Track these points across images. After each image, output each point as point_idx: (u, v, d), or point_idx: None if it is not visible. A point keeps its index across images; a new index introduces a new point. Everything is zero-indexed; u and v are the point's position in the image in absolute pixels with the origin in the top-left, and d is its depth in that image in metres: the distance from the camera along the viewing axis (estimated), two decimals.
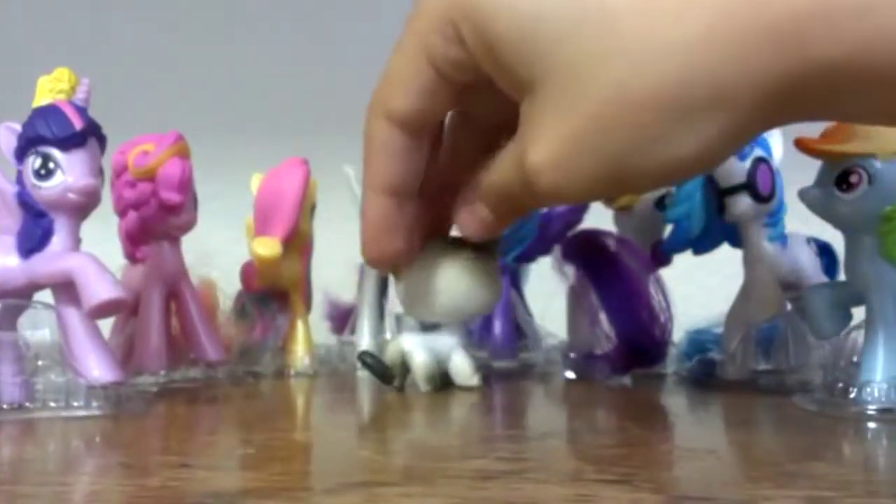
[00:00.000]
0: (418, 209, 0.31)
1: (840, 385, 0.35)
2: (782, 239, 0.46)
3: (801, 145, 0.34)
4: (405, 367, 0.41)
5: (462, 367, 0.40)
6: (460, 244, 0.32)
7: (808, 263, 0.47)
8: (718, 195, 0.44)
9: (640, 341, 0.43)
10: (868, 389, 0.33)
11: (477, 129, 0.31)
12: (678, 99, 0.21)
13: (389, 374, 0.41)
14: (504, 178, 0.27)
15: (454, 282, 0.32)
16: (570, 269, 0.46)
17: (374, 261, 0.32)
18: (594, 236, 0.45)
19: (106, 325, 0.42)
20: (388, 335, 0.60)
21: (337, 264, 0.57)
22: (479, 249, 0.32)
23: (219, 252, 0.51)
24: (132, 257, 0.46)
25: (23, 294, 0.36)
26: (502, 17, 0.23)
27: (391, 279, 0.53)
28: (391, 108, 0.28)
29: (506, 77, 0.24)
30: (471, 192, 0.30)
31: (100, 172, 0.36)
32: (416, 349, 0.40)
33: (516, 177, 0.26)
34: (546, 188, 0.24)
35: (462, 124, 0.31)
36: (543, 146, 0.24)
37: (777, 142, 0.45)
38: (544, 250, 0.55)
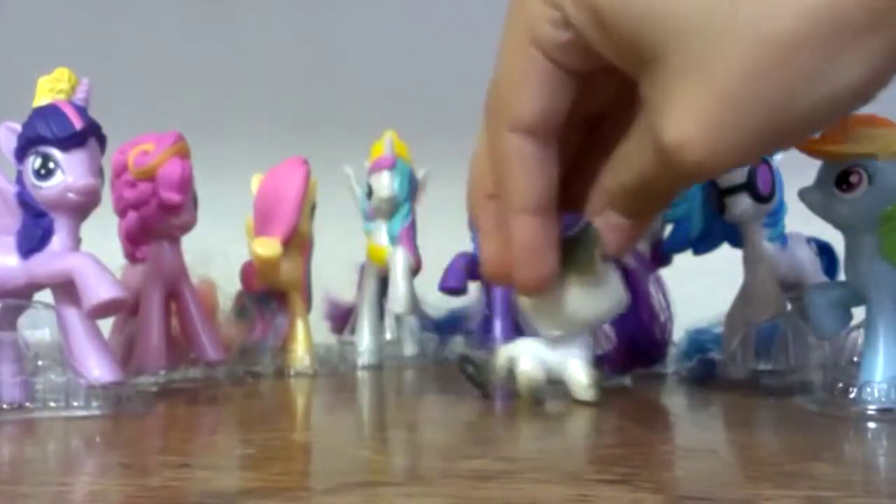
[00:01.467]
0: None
1: (840, 385, 0.35)
2: (782, 239, 0.46)
3: (802, 145, 0.34)
4: (511, 373, 0.37)
5: (577, 378, 0.36)
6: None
7: (808, 263, 0.47)
8: (718, 195, 0.44)
9: (640, 341, 0.43)
10: (868, 389, 0.33)
11: (572, 129, 0.29)
12: (832, 25, 0.19)
13: (491, 382, 0.38)
14: (637, 171, 0.25)
15: (589, 295, 0.31)
16: None
17: (531, 286, 0.29)
18: None
19: (106, 325, 0.42)
20: (388, 335, 0.60)
21: (337, 264, 0.57)
22: (588, 253, 0.30)
23: (219, 252, 0.51)
24: (132, 257, 0.46)
25: (23, 294, 0.36)
26: None
27: (399, 280, 0.54)
28: (516, 116, 0.26)
29: (624, 51, 0.23)
30: (595, 203, 0.28)
31: (100, 172, 0.36)
32: (525, 356, 0.36)
33: (653, 163, 0.24)
34: (696, 161, 0.22)
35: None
36: (685, 116, 0.22)
37: None
38: None
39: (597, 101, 0.27)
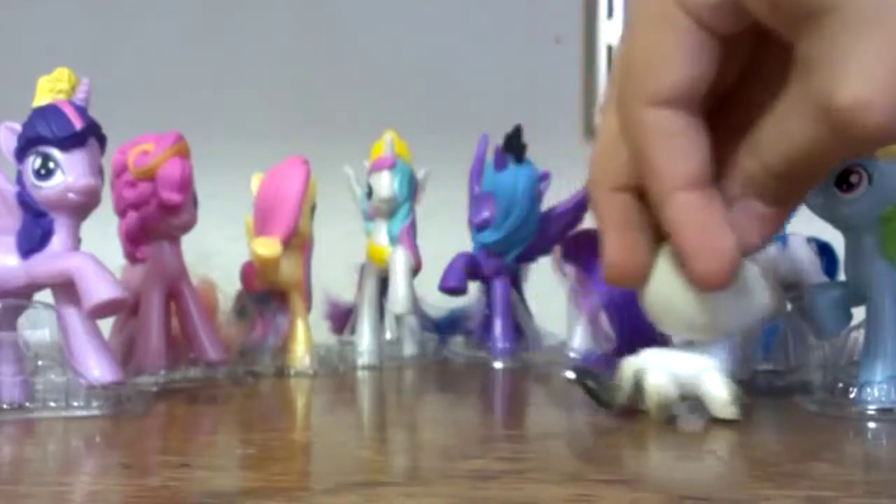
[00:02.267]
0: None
1: (840, 385, 0.34)
2: (782, 239, 0.46)
3: None
4: (638, 388, 0.32)
5: (716, 393, 0.31)
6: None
7: (808, 263, 0.47)
8: None
9: (640, 341, 0.43)
10: (868, 389, 0.33)
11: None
12: None
13: (616, 399, 0.33)
14: (795, 145, 0.23)
15: (731, 296, 0.28)
16: (570, 269, 0.46)
17: (713, 271, 0.25)
18: (594, 236, 0.45)
19: (106, 325, 0.42)
20: (388, 335, 0.60)
21: (337, 264, 0.57)
22: None
23: (219, 252, 0.51)
24: (132, 257, 0.46)
25: (23, 294, 0.36)
26: None
27: (399, 280, 0.54)
28: (658, 89, 0.24)
29: (785, 6, 0.21)
30: (729, 191, 0.25)
31: (100, 172, 0.36)
32: (654, 369, 0.32)
33: (817, 133, 0.21)
34: (878, 123, 0.20)
35: None
36: (864, 74, 0.20)
37: None
38: (544, 250, 0.55)
39: (728, 73, 0.25)
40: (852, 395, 0.33)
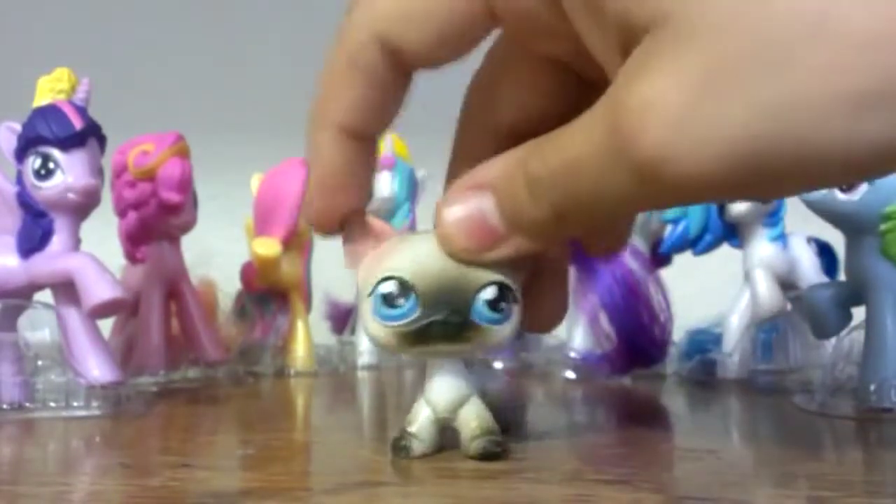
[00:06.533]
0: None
1: (840, 385, 0.35)
2: (782, 239, 0.46)
3: None
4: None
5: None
6: None
7: (808, 263, 0.47)
8: None
9: (640, 341, 0.43)
10: (868, 389, 0.33)
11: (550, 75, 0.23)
12: None
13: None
14: (577, 153, 0.18)
15: None
16: (570, 269, 0.46)
17: (320, 218, 0.24)
18: None
19: (106, 325, 0.42)
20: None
21: (337, 264, 0.57)
22: None
23: (219, 252, 0.51)
24: (132, 257, 0.46)
25: (23, 294, 0.36)
26: None
27: None
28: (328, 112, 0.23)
29: (609, 26, 0.17)
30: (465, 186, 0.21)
31: (100, 172, 0.36)
32: None
33: (598, 146, 0.17)
34: (657, 148, 0.16)
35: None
36: (662, 78, 0.16)
37: None
38: None
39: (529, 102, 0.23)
40: (852, 395, 0.33)
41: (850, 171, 0.16)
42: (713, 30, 0.15)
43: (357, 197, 0.24)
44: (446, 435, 0.25)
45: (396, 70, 0.22)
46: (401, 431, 0.24)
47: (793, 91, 0.15)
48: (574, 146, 0.18)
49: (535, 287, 0.25)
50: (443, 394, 0.24)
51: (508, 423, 0.27)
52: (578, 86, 0.23)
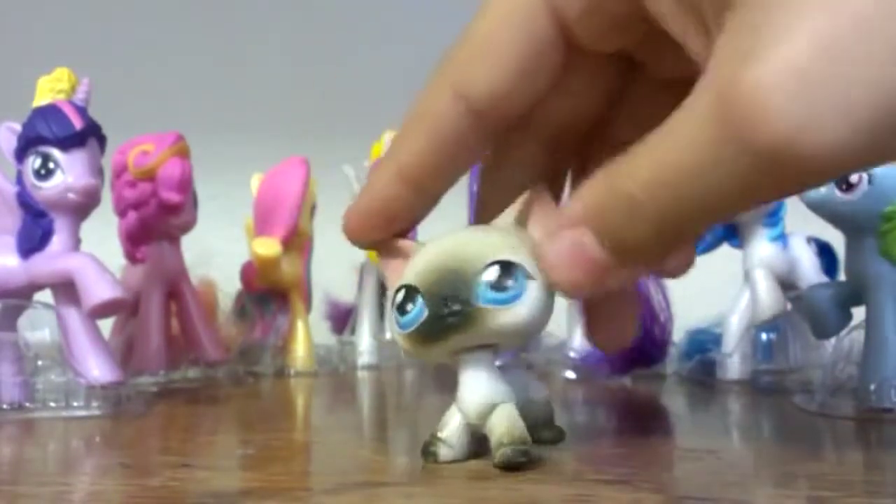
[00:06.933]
0: None
1: (840, 385, 0.34)
2: (782, 239, 0.46)
3: None
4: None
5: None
6: None
7: (808, 263, 0.47)
8: None
9: (640, 341, 0.43)
10: (869, 389, 0.33)
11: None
12: None
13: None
14: (678, 158, 0.16)
15: None
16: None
17: (350, 228, 0.24)
18: None
19: (106, 325, 0.42)
20: (388, 335, 0.60)
21: (337, 264, 0.57)
22: None
23: (219, 252, 0.51)
24: (132, 257, 0.46)
25: (23, 294, 0.36)
26: None
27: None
28: (463, 80, 0.21)
29: None
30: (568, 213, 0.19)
31: (100, 172, 0.36)
32: None
33: (705, 142, 0.15)
34: (795, 119, 0.14)
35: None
36: (777, 51, 0.14)
37: None
38: None
39: (584, 103, 0.22)
40: (852, 395, 0.33)
41: None
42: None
43: (391, 231, 0.24)
44: (481, 443, 0.24)
45: (469, 123, 0.21)
46: (431, 436, 0.24)
47: None
48: (671, 151, 0.16)
49: (604, 306, 0.24)
50: (473, 399, 0.23)
51: (552, 433, 0.26)
52: (625, 80, 0.22)
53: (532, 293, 0.22)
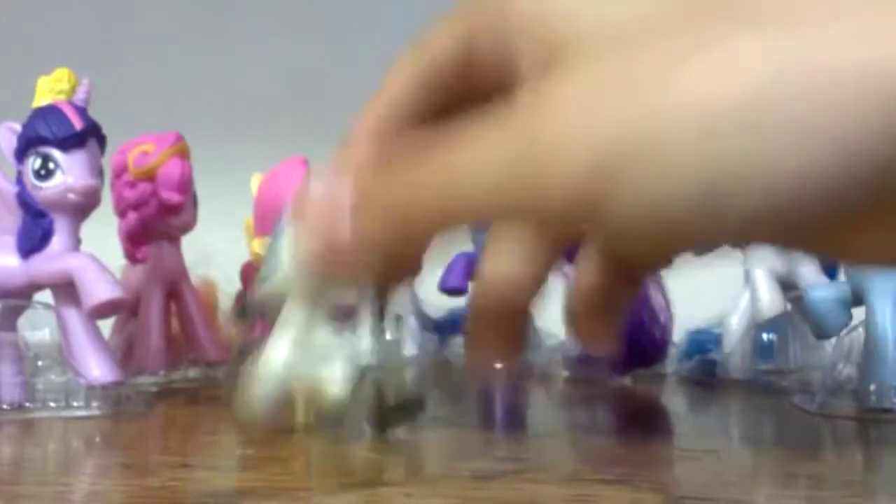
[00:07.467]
0: None
1: (840, 385, 0.35)
2: None
3: None
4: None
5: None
6: None
7: (808, 263, 0.47)
8: None
9: (640, 341, 0.43)
10: (868, 390, 0.33)
11: None
12: None
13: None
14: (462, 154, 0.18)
15: None
16: (570, 269, 0.46)
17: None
18: None
19: (106, 325, 0.42)
20: (388, 335, 0.60)
21: None
22: None
23: (219, 252, 0.51)
24: (132, 257, 0.46)
25: (23, 294, 0.36)
26: None
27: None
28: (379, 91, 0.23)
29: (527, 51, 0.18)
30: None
31: (100, 172, 0.36)
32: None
33: (491, 145, 0.17)
34: (564, 136, 0.16)
35: None
36: (559, 81, 0.16)
37: None
38: None
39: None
40: (852, 395, 0.33)
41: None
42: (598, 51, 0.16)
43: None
44: None
45: None
46: None
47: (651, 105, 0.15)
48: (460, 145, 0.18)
49: (587, 305, 0.24)
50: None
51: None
52: None
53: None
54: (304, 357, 0.22)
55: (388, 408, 0.25)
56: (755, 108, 0.14)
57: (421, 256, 0.23)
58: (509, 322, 0.21)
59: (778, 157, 0.14)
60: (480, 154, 0.17)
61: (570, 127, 0.16)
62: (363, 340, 0.56)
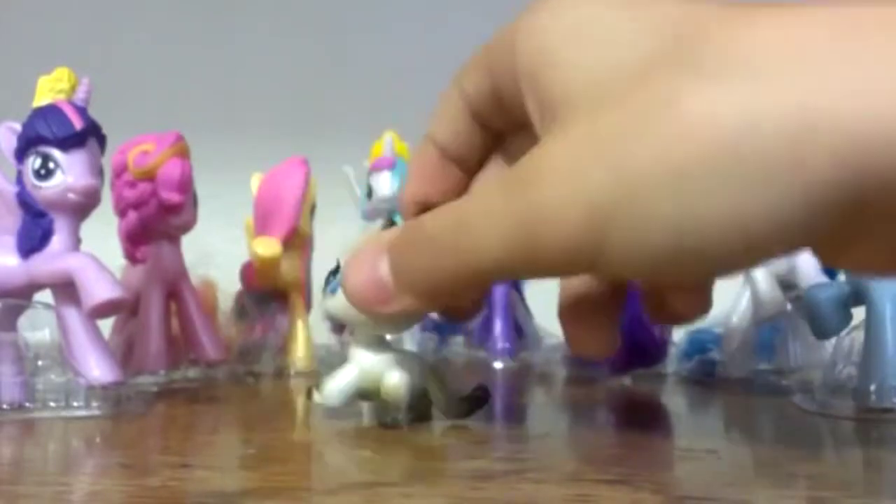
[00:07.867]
0: None
1: (840, 385, 0.35)
2: None
3: None
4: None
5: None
6: None
7: (808, 263, 0.47)
8: None
9: (640, 341, 0.43)
10: (868, 389, 0.33)
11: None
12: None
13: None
14: (468, 209, 0.21)
15: None
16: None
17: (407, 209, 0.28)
18: None
19: (106, 325, 0.42)
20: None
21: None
22: None
23: (219, 252, 0.51)
24: (132, 257, 0.46)
25: (23, 294, 0.36)
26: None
27: None
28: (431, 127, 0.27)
29: (532, 101, 0.22)
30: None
31: (100, 172, 0.36)
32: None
33: (491, 202, 0.20)
34: (550, 196, 0.19)
35: None
36: (551, 143, 0.19)
37: None
38: None
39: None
40: (852, 395, 0.33)
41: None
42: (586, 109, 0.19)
43: (427, 195, 0.26)
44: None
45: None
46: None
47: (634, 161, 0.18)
48: (466, 202, 0.22)
49: (581, 315, 0.26)
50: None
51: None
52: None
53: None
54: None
55: (457, 397, 0.31)
56: (720, 159, 0.16)
57: (468, 307, 0.29)
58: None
59: (744, 203, 0.16)
60: (490, 219, 0.20)
61: (560, 195, 0.18)
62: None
